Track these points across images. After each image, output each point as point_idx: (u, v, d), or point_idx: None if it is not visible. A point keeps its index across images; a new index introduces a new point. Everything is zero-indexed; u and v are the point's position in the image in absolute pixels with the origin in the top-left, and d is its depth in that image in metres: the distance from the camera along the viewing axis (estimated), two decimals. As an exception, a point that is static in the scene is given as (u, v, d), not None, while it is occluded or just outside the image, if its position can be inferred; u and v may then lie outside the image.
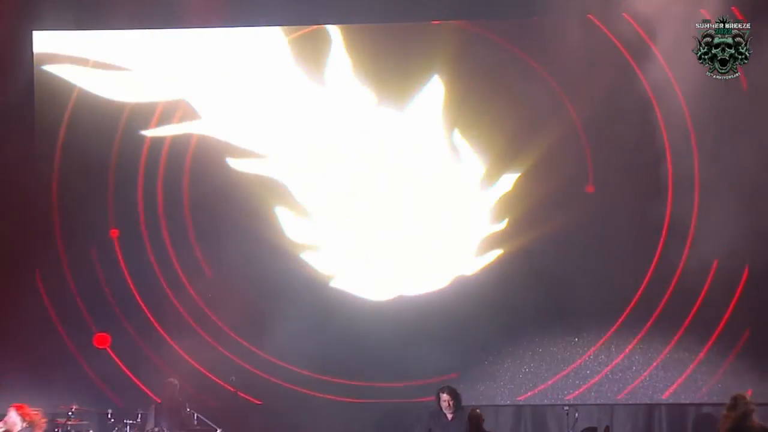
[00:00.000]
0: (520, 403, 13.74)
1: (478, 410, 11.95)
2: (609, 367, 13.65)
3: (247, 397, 13.38)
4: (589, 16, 13.72)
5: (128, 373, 13.93)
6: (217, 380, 13.68)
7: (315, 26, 14.14)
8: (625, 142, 13.59)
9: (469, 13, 13.93)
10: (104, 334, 13.92)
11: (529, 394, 13.74)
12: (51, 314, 14.07)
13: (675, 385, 13.53)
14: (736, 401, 10.27)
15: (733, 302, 13.42)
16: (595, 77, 13.58)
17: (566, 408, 13.02)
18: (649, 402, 13.57)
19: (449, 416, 12.29)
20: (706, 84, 12.46)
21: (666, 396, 13.56)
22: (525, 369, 13.72)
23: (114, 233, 14.18)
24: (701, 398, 13.50)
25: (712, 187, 13.38)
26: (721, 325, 13.43)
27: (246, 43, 14.24)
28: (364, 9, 13.88)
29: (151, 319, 14.05)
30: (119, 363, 13.96)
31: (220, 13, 13.93)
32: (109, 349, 13.98)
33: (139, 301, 14.12)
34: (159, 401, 13.11)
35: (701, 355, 13.48)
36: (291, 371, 13.81)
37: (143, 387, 13.82)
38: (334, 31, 14.11)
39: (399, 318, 13.82)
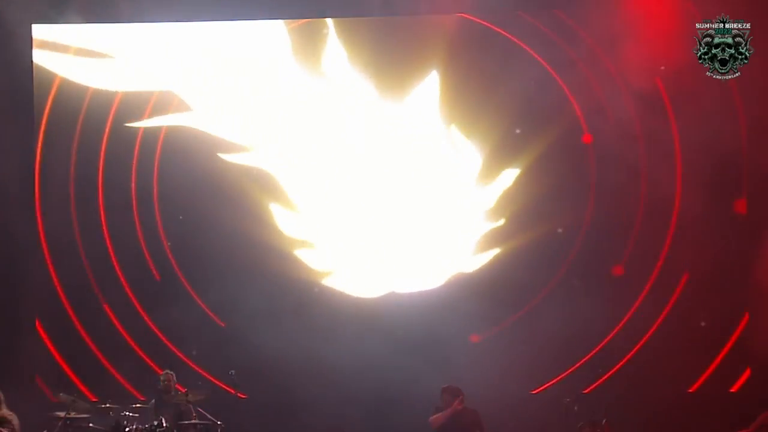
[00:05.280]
0: (518, 397, 13.71)
1: (475, 410, 11.95)
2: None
3: (236, 392, 13.45)
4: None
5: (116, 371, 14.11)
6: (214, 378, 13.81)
7: (312, 18, 14.11)
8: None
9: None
10: None
11: (531, 390, 13.78)
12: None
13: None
14: None
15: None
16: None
17: (566, 401, 13.01)
18: (648, 396, 13.57)
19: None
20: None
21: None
22: (524, 365, 13.64)
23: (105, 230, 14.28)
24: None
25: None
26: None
27: (243, 36, 14.20)
28: (362, 1, 13.89)
29: (148, 320, 14.15)
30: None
31: (218, 6, 13.90)
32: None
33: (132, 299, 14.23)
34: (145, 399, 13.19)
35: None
36: (284, 366, 13.79)
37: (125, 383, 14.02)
38: (332, 23, 14.06)
39: (396, 315, 13.86)
